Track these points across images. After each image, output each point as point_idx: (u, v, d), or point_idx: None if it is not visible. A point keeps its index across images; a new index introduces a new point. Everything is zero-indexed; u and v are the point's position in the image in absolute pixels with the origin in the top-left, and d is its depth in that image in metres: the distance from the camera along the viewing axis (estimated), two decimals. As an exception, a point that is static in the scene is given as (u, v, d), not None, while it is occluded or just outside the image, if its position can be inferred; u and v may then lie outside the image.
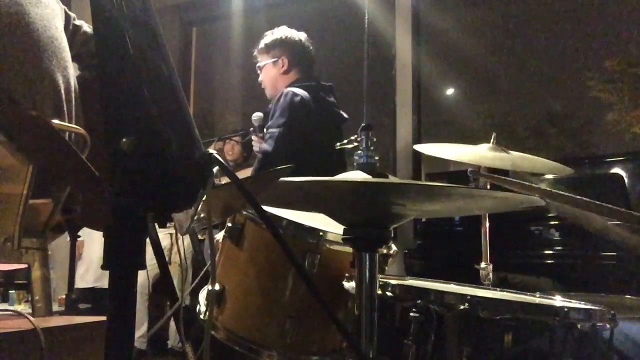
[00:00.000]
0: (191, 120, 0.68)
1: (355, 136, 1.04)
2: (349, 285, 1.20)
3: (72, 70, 1.75)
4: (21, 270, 3.46)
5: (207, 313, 1.37)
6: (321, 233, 1.28)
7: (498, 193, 0.92)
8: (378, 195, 0.92)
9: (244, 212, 1.34)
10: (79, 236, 2.16)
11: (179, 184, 0.66)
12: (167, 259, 3.11)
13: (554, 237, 2.95)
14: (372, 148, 1.00)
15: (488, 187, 1.78)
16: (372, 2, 3.66)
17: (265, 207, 1.09)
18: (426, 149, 1.72)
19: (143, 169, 0.62)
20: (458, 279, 1.38)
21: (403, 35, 3.71)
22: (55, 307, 2.51)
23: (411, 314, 1.04)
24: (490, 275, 1.73)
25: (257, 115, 2.64)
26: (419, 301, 1.05)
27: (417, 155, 3.64)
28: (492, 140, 1.73)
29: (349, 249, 1.13)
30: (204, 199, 0.66)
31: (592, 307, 1.11)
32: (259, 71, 2.61)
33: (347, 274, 1.22)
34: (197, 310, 1.43)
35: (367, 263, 0.95)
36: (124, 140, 0.61)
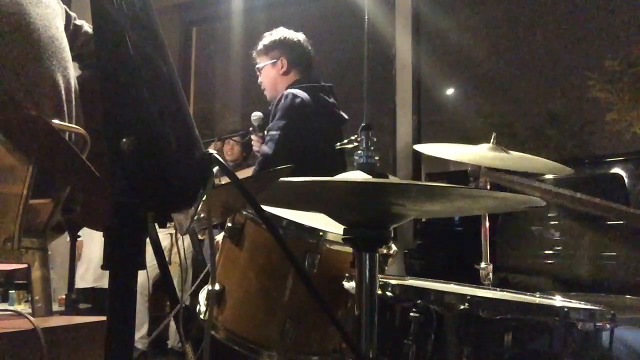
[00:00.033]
0: (191, 120, 0.68)
1: (355, 136, 1.04)
2: (349, 285, 1.20)
3: (73, 71, 1.75)
4: (21, 270, 3.46)
5: (207, 313, 1.37)
6: (321, 233, 1.29)
7: (498, 193, 0.92)
8: (378, 195, 0.92)
9: (244, 212, 1.34)
10: (79, 236, 2.16)
11: (179, 184, 0.66)
12: (167, 259, 3.11)
13: (554, 237, 2.95)
14: (372, 148, 1.00)
15: (488, 187, 1.78)
16: (372, 2, 3.66)
17: (265, 207, 1.09)
18: (426, 149, 1.72)
19: (143, 169, 0.62)
20: (458, 279, 1.38)
21: (403, 35, 3.71)
22: (55, 307, 2.51)
23: (411, 314, 1.04)
24: (490, 275, 1.73)
25: (256, 115, 2.63)
26: (419, 301, 1.05)
27: (417, 155, 3.64)
28: (492, 140, 1.73)
29: (349, 249, 1.13)
30: (204, 199, 0.66)
31: (592, 307, 1.11)
32: (258, 73, 2.61)
33: (347, 274, 1.22)
34: (197, 310, 1.43)
35: (367, 263, 0.95)
36: (124, 140, 0.61)
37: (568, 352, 1.04)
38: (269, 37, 2.56)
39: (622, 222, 2.73)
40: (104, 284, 3.37)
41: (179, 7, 4.74)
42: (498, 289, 1.37)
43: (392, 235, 0.99)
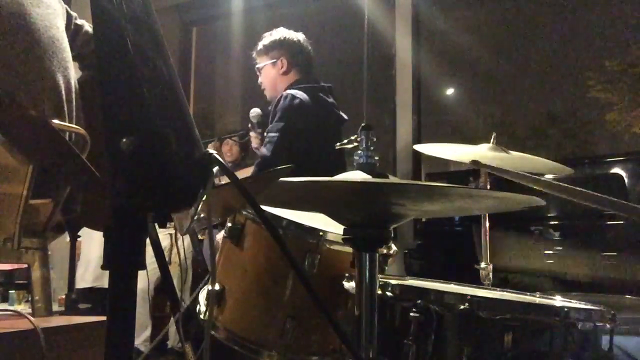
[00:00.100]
0: (191, 120, 0.68)
1: (355, 136, 1.04)
2: (349, 285, 1.20)
3: (73, 71, 1.75)
4: (21, 270, 3.46)
5: (207, 313, 1.37)
6: (321, 233, 1.29)
7: (498, 193, 0.92)
8: (378, 195, 0.92)
9: (244, 212, 1.34)
10: (79, 236, 2.16)
11: (179, 184, 0.66)
12: (167, 259, 3.11)
13: (554, 237, 2.95)
14: (372, 148, 1.00)
15: (488, 187, 1.78)
16: (372, 2, 3.67)
17: (265, 207, 1.09)
18: (426, 149, 1.72)
19: (143, 169, 0.62)
20: (458, 279, 1.38)
21: (403, 35, 3.71)
22: (55, 307, 2.51)
23: (411, 314, 1.04)
24: (490, 275, 1.73)
25: (255, 112, 2.63)
26: (419, 301, 1.05)
27: (417, 155, 3.64)
28: (492, 140, 1.73)
29: (349, 249, 1.13)
30: (204, 199, 0.66)
31: (592, 307, 1.11)
32: (258, 73, 2.61)
33: (347, 274, 1.22)
34: (197, 310, 1.43)
35: (367, 263, 0.95)
36: (124, 140, 0.61)
37: (568, 352, 1.04)
38: (269, 37, 2.56)
39: (622, 222, 2.74)
40: (104, 283, 3.37)
41: (179, 7, 4.74)
42: (498, 289, 1.37)
43: (392, 235, 0.99)
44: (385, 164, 3.64)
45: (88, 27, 1.91)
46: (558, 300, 1.26)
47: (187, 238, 3.05)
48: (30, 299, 1.70)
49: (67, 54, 1.73)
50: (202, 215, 0.70)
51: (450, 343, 1.05)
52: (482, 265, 1.75)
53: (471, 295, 1.04)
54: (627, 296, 1.75)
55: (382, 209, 0.96)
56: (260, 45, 2.57)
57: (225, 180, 0.71)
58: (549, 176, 2.67)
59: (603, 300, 1.46)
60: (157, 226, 0.69)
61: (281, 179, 0.83)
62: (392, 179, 1.02)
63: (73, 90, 1.73)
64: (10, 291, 3.54)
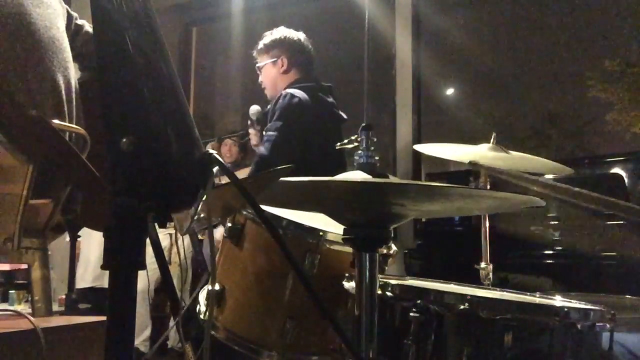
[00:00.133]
0: (191, 120, 0.68)
1: (355, 136, 1.04)
2: (349, 285, 1.20)
3: (73, 71, 1.75)
4: (21, 270, 3.46)
5: (207, 313, 1.37)
6: (321, 233, 1.28)
7: (498, 193, 0.92)
8: (378, 195, 0.92)
9: (244, 212, 1.34)
10: (79, 236, 2.16)
11: (179, 184, 0.66)
12: (167, 259, 3.10)
13: (554, 237, 2.95)
14: (372, 148, 1.00)
15: (488, 187, 1.78)
16: (372, 2, 3.67)
17: (265, 207, 1.09)
18: (426, 149, 1.72)
19: (143, 169, 0.62)
20: (458, 279, 1.38)
21: (403, 35, 3.71)
22: (55, 307, 2.51)
23: (411, 314, 1.04)
24: (490, 275, 1.73)
25: (254, 109, 2.63)
26: (419, 301, 1.05)
27: (417, 155, 3.64)
28: (492, 140, 1.73)
29: (349, 249, 1.13)
30: (204, 199, 0.66)
31: (592, 307, 1.11)
32: (258, 72, 2.61)
33: (347, 274, 1.22)
34: (197, 310, 1.43)
35: (367, 263, 0.95)
36: (124, 140, 0.61)
37: (568, 352, 1.04)
38: (269, 37, 2.56)
39: (622, 222, 2.74)
40: (103, 283, 3.37)
41: (179, 7, 4.74)
42: (498, 289, 1.37)
43: (392, 235, 0.99)
44: (385, 164, 3.64)
45: (88, 27, 1.91)
46: (558, 300, 1.26)
47: (187, 238, 3.05)
48: (30, 299, 1.70)
49: (68, 54, 1.73)
50: (202, 215, 0.70)
51: (450, 343, 1.05)
52: (482, 265, 1.75)
53: (471, 295, 1.04)
54: (627, 296, 1.75)
55: (382, 209, 0.96)
56: (260, 44, 2.57)
57: (225, 180, 0.71)
58: (549, 176, 2.67)
59: (603, 300, 1.46)
60: (157, 226, 0.69)
61: (281, 179, 0.83)
62: (392, 179, 1.02)
63: (73, 90, 1.73)
64: (10, 291, 3.55)
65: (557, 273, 2.82)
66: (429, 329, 1.04)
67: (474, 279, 1.67)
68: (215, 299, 1.33)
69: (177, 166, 0.65)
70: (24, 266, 1.68)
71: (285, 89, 2.43)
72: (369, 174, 0.98)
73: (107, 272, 0.62)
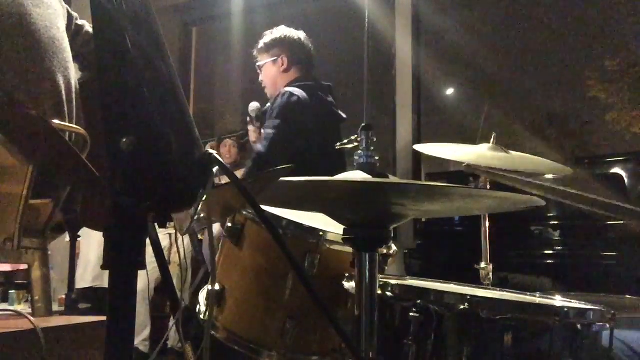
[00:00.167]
0: (191, 120, 0.68)
1: (355, 136, 1.04)
2: (349, 285, 1.20)
3: (73, 71, 1.76)
4: (21, 270, 3.46)
5: (207, 313, 1.37)
6: (321, 233, 1.28)
7: (498, 193, 0.92)
8: (378, 195, 0.92)
9: (244, 212, 1.34)
10: (79, 236, 2.16)
11: (179, 184, 0.66)
12: (166, 258, 3.10)
13: (554, 237, 2.95)
14: (372, 148, 1.00)
15: (488, 187, 1.78)
16: (372, 2, 3.67)
17: (265, 207, 1.09)
18: (426, 149, 1.72)
19: (143, 169, 0.62)
20: (458, 279, 1.38)
21: (403, 36, 3.71)
22: (55, 307, 2.51)
23: (411, 314, 1.04)
24: (490, 275, 1.73)
25: (253, 106, 2.64)
26: (419, 301, 1.05)
27: (417, 155, 3.64)
28: (492, 140, 1.73)
29: (349, 249, 1.13)
30: (204, 199, 0.66)
31: (592, 307, 1.11)
32: (259, 71, 2.62)
33: (347, 274, 1.22)
34: (197, 310, 1.43)
35: (367, 263, 0.95)
36: (124, 140, 0.61)
37: (568, 352, 1.04)
38: (270, 35, 2.57)
39: (622, 222, 2.73)
40: (103, 283, 3.37)
41: (179, 7, 4.74)
42: (498, 289, 1.37)
43: (392, 235, 0.99)
44: (385, 164, 3.64)
45: (89, 27, 1.91)
46: (558, 300, 1.26)
47: (186, 238, 3.05)
48: (30, 299, 1.70)
49: (68, 54, 1.73)
50: (202, 215, 0.70)
51: (450, 343, 1.05)
52: (482, 265, 1.75)
53: (471, 295, 1.04)
54: (627, 296, 1.75)
55: (382, 209, 0.96)
56: (261, 43, 2.58)
57: (225, 180, 0.71)
58: (549, 176, 2.67)
59: (603, 300, 1.46)
60: (157, 226, 0.69)
61: (281, 179, 0.83)
62: (392, 179, 1.02)
63: (73, 90, 1.73)
64: (10, 291, 3.54)
65: (557, 273, 2.82)
66: (429, 329, 1.04)
67: (474, 279, 1.67)
68: (215, 299, 1.33)
69: (177, 166, 0.65)
70: (24, 266, 1.67)
71: (285, 87, 2.43)
72: (369, 174, 0.98)
73: (106, 272, 0.62)
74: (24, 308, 2.99)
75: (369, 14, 3.66)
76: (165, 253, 3.00)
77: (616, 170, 3.04)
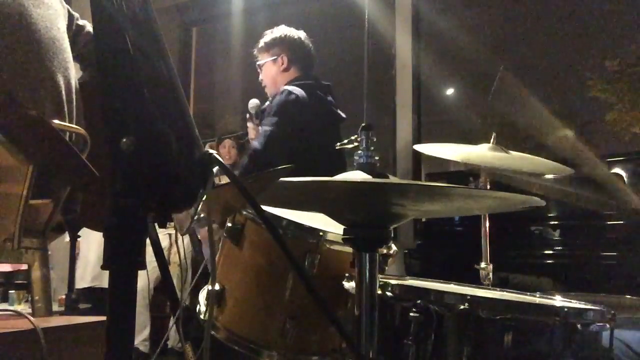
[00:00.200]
0: (191, 120, 0.68)
1: (355, 136, 1.04)
2: (349, 285, 1.20)
3: (74, 71, 1.76)
4: (21, 270, 3.46)
5: (207, 313, 1.37)
6: (321, 233, 1.28)
7: (498, 193, 0.92)
8: (378, 195, 0.92)
9: (244, 212, 1.34)
10: (79, 236, 2.16)
11: (179, 184, 0.66)
12: (166, 259, 3.10)
13: (554, 237, 2.95)
14: (372, 148, 1.00)
15: (488, 187, 1.78)
16: (372, 2, 3.67)
17: (265, 207, 1.09)
18: (426, 149, 1.72)
19: (143, 169, 0.62)
20: (458, 279, 1.38)
21: (403, 35, 3.71)
22: (55, 307, 2.51)
23: (411, 314, 1.04)
24: (490, 275, 1.73)
25: (253, 102, 2.64)
26: (419, 301, 1.05)
27: (417, 155, 3.64)
28: (492, 140, 1.73)
29: (349, 249, 1.13)
30: (204, 199, 0.66)
31: (592, 307, 1.11)
32: (259, 70, 2.62)
33: (347, 274, 1.22)
34: (197, 310, 1.43)
35: (367, 263, 0.95)
36: (124, 140, 0.61)
37: (568, 352, 1.04)
38: (270, 35, 2.57)
39: (622, 222, 2.74)
40: (102, 283, 3.37)
41: (179, 7, 4.74)
42: (498, 289, 1.37)
43: (392, 235, 0.99)
44: (385, 164, 3.64)
45: (90, 27, 1.91)
46: (558, 300, 1.26)
47: (186, 238, 3.05)
48: (30, 299, 1.70)
49: (68, 54, 1.73)
50: (202, 215, 0.70)
51: (450, 343, 1.05)
52: (482, 265, 1.75)
53: (471, 295, 1.04)
54: (627, 296, 1.75)
55: (382, 209, 0.96)
56: (261, 43, 2.58)
57: (225, 180, 0.71)
58: (549, 176, 2.67)
59: (603, 300, 1.46)
60: (157, 226, 0.69)
61: (281, 179, 0.83)
62: (392, 179, 1.02)
63: (73, 90, 1.73)
64: (10, 291, 3.54)
65: (557, 273, 2.82)
66: (429, 329, 1.04)
67: (474, 279, 1.67)
68: (215, 299, 1.33)
69: (177, 166, 0.65)
70: (24, 266, 1.67)
71: (284, 86, 2.43)
72: (369, 174, 0.98)
73: (105, 272, 0.62)
74: (24, 308, 2.99)
75: (369, 14, 3.67)
76: (165, 253, 3.00)
77: (616, 170, 3.04)
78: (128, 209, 0.62)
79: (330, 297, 1.29)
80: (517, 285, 2.79)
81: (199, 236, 3.20)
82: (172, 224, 0.75)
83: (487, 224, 1.80)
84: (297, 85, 2.40)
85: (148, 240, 0.66)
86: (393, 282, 1.14)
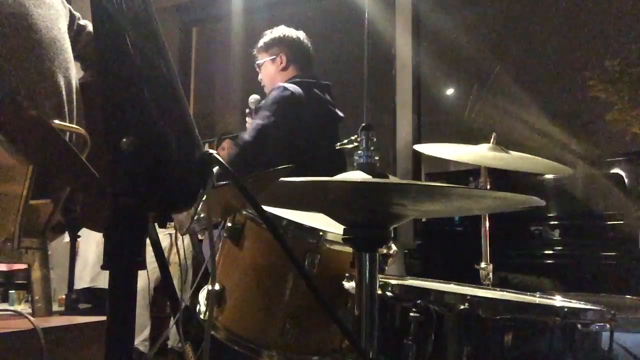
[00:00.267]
0: (191, 120, 0.68)
1: (355, 136, 1.04)
2: (349, 285, 1.20)
3: (74, 71, 1.76)
4: (21, 270, 3.46)
5: (207, 313, 1.37)
6: (321, 233, 1.28)
7: (498, 193, 0.92)
8: (378, 195, 0.92)
9: (244, 212, 1.34)
10: (79, 236, 2.16)
11: (179, 184, 0.66)
12: (166, 258, 3.10)
13: (554, 237, 2.95)
14: (372, 148, 1.00)
15: (488, 187, 1.78)
16: (372, 2, 3.67)
17: (265, 207, 1.09)
18: (426, 149, 1.72)
19: (143, 169, 0.62)
20: (458, 279, 1.38)
21: (403, 35, 3.71)
22: (55, 307, 2.51)
23: (411, 314, 1.04)
24: (490, 275, 1.73)
25: (253, 98, 2.64)
26: (419, 301, 1.05)
27: (417, 155, 3.64)
28: (492, 140, 1.73)
29: (349, 249, 1.13)
30: (204, 199, 0.66)
31: (592, 307, 1.11)
32: (258, 69, 2.62)
33: (347, 274, 1.22)
34: (197, 310, 1.43)
35: (367, 263, 0.95)
36: (124, 140, 0.61)
37: (568, 352, 1.04)
38: (269, 35, 2.58)
39: (622, 222, 2.73)
40: (101, 283, 3.37)
41: (179, 8, 4.75)
42: (498, 289, 1.37)
43: (392, 235, 0.99)
44: (385, 164, 3.64)
45: (91, 27, 1.91)
46: (558, 300, 1.26)
47: (186, 238, 3.05)
48: (30, 299, 1.70)
49: (69, 54, 1.73)
50: (202, 215, 0.70)
51: (450, 343, 1.05)
52: (482, 265, 1.75)
53: (471, 295, 1.04)
54: (627, 296, 1.75)
55: (382, 209, 0.96)
56: (260, 43, 2.59)
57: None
58: (549, 176, 2.67)
59: (603, 300, 1.46)
60: (157, 226, 0.69)
61: (281, 179, 0.83)
62: (392, 179, 1.02)
63: (74, 90, 1.73)
64: (10, 291, 3.54)
65: (557, 273, 2.82)
66: (429, 329, 1.04)
67: (474, 279, 1.67)
68: (215, 299, 1.33)
69: (177, 166, 0.65)
70: (24, 266, 1.67)
71: None
72: (369, 174, 0.98)
73: (104, 272, 0.62)
74: (24, 308, 2.99)
75: (369, 14, 3.67)
76: (165, 253, 3.00)
77: (616, 170, 3.04)
78: (128, 209, 0.62)
79: (331, 297, 1.29)
80: (517, 285, 2.79)
81: (199, 236, 3.20)
82: (172, 224, 0.75)
83: (487, 224, 1.80)
84: (294, 83, 2.40)
85: (148, 241, 0.66)
86: (393, 282, 1.14)
